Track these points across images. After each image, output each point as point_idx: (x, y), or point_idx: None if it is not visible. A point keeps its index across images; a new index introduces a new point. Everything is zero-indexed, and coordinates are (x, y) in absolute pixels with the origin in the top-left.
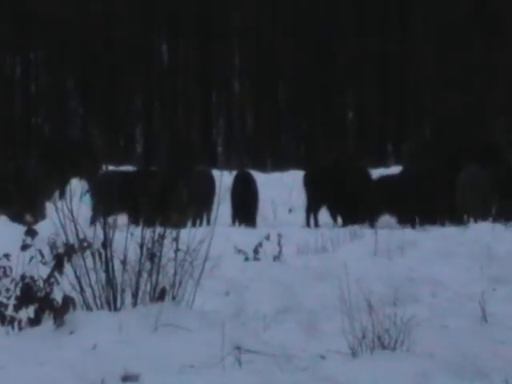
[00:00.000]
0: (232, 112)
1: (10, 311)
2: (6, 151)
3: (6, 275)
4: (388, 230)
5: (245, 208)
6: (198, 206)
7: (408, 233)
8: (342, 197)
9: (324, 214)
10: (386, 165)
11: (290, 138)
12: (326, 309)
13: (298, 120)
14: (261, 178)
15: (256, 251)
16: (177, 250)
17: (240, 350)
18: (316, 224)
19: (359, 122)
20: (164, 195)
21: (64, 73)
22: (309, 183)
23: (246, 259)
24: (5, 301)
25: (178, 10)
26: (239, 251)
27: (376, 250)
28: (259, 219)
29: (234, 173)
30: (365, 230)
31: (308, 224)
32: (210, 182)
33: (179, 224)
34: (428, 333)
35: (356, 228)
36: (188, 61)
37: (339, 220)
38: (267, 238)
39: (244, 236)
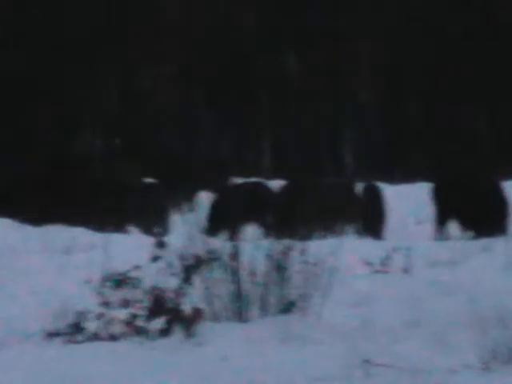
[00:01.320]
0: (360, 124)
1: (141, 322)
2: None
3: (137, 287)
4: None
5: (372, 220)
6: (325, 219)
7: None
8: (472, 209)
9: (453, 227)
10: None
11: (419, 149)
12: (455, 322)
13: (427, 132)
14: (389, 190)
15: (384, 263)
16: (304, 261)
17: (368, 363)
18: (445, 236)
19: (490, 134)
20: (291, 207)
21: (192, 87)
22: (437, 195)
23: (375, 272)
24: (136, 311)
25: (305, 22)
26: (367, 263)
27: (508, 262)
28: (387, 231)
29: (362, 185)
30: (496, 242)
31: (437, 236)
32: (339, 194)
33: (306, 236)
34: None
35: (487, 240)
36: (316, 73)
37: (469, 232)
38: (395, 250)
39: (372, 248)
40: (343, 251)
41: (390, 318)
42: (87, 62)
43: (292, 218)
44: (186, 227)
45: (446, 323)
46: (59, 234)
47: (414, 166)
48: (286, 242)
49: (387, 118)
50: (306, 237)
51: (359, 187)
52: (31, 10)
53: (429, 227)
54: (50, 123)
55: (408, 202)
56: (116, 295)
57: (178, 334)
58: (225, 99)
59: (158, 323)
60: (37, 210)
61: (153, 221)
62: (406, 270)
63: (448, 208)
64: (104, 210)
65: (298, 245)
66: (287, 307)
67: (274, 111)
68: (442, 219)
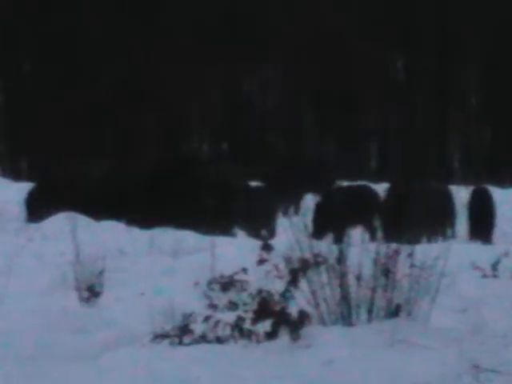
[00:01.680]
0: (468, 126)
1: (247, 324)
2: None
3: (243, 289)
4: None
5: (482, 224)
6: (432, 222)
7: None
8: None
9: None
10: None
11: None
12: None
13: None
14: (498, 194)
15: (494, 268)
16: (412, 265)
17: (478, 368)
18: None
19: None
20: (398, 211)
21: (298, 88)
22: None
23: (484, 276)
24: (243, 314)
25: (413, 23)
26: (476, 268)
27: None
28: (498, 235)
29: (471, 188)
30: None
31: None
32: (445, 198)
33: (414, 239)
34: None
35: None
36: (423, 73)
37: None
38: (506, 254)
39: (481, 252)
40: (451, 255)
41: (499, 323)
42: (194, 63)
43: (399, 222)
44: (291, 230)
45: None
46: (166, 237)
47: None
48: (393, 245)
49: (496, 119)
50: (413, 240)
51: (467, 191)
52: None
53: None
54: (158, 126)
55: None
56: (223, 298)
57: (284, 337)
58: (329, 101)
59: (265, 326)
60: (145, 212)
61: (259, 224)
62: None
63: None
64: (211, 212)
65: (405, 248)
66: (394, 311)
67: (380, 113)
68: None
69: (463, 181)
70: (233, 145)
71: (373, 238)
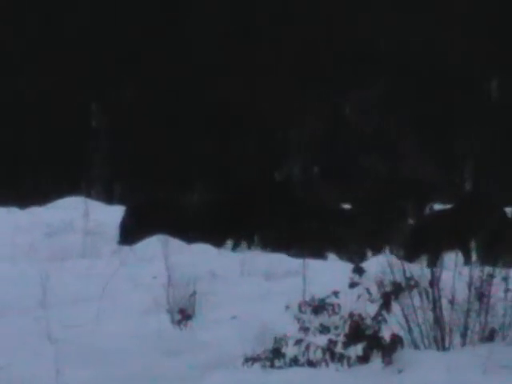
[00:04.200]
0: None
1: (339, 348)
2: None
3: (335, 312)
4: None
5: None
6: None
7: None
8: None
9: None
10: None
11: None
12: None
13: None
14: None
15: None
16: (507, 289)
17: None
18: None
19: None
20: (494, 233)
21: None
22: None
23: None
24: (334, 338)
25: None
26: None
27: None
28: None
29: None
30: None
31: None
32: None
33: (509, 263)
34: None
35: None
36: None
37: None
38: None
39: None
40: None
41: None
42: (298, 87)
43: (494, 245)
44: (384, 253)
45: None
46: (258, 259)
47: None
48: (488, 268)
49: None
50: (508, 264)
51: None
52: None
53: None
54: (257, 149)
55: None
56: (315, 321)
57: (376, 361)
58: (427, 122)
59: (356, 350)
60: (236, 235)
61: (352, 247)
62: None
63: None
64: (305, 235)
65: (500, 272)
66: (489, 336)
67: (475, 135)
68: None
69: None
70: (327, 167)
71: (467, 261)
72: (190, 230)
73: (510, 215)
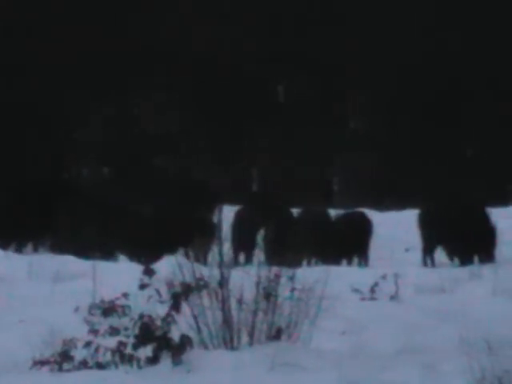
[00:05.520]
0: (350, 150)
1: (129, 350)
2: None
3: (124, 314)
4: (509, 269)
5: (356, 247)
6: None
7: None
8: (459, 236)
9: (441, 253)
10: (506, 203)
11: (407, 175)
12: (444, 349)
13: (415, 158)
14: (377, 217)
15: (372, 290)
16: (293, 288)
17: None
18: (433, 263)
19: (478, 160)
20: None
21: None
22: (424, 222)
23: (363, 299)
24: (124, 339)
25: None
26: (355, 290)
27: (495, 289)
28: (375, 258)
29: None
30: (483, 270)
31: (425, 263)
32: (324, 222)
33: (295, 263)
34: None
35: (475, 267)
36: (306, 99)
37: (456, 259)
38: (384, 277)
39: (360, 275)
40: (331, 278)
41: (378, 345)
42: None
43: (281, 246)
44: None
45: (435, 350)
46: (46, 261)
47: (403, 192)
48: (275, 268)
49: (378, 144)
50: (294, 264)
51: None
52: None
53: (418, 254)
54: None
55: (397, 228)
56: (104, 323)
57: (166, 361)
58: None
59: (146, 351)
60: (21, 236)
61: (142, 247)
62: (394, 297)
63: (434, 235)
64: (92, 236)
65: (286, 271)
66: (276, 335)
67: (262, 137)
68: (429, 246)
69: (342, 204)
70: (116, 170)
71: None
72: None
73: (295, 215)
